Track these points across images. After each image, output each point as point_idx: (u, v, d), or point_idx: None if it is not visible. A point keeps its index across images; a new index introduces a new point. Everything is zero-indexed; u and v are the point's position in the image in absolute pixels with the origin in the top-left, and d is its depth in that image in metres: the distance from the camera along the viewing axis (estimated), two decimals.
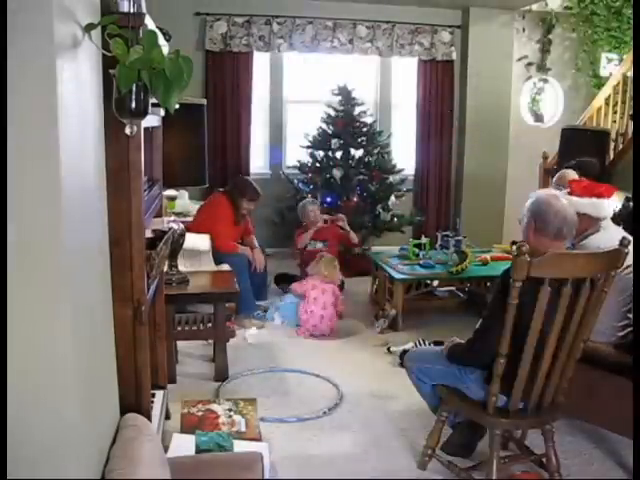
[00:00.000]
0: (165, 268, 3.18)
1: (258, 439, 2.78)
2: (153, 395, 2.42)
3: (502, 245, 5.55)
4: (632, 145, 4.98)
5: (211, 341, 3.78)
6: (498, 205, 6.98)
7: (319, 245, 5.25)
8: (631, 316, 2.81)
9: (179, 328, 3.57)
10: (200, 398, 3.14)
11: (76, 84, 1.37)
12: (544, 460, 2.53)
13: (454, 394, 2.53)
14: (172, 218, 3.35)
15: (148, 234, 2.21)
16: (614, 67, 6.54)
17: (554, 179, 4.19)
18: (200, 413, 2.95)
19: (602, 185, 3.06)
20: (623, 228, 3.24)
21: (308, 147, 6.21)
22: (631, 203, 3.82)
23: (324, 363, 3.87)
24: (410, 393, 3.36)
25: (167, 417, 2.90)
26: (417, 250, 4.97)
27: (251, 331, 4.26)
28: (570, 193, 3.06)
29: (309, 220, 5.30)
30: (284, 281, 5.09)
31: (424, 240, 5.03)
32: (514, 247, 2.21)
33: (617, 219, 3.20)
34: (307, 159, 6.22)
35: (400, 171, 6.38)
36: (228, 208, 4.60)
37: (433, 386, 2.66)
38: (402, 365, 3.75)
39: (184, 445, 2.47)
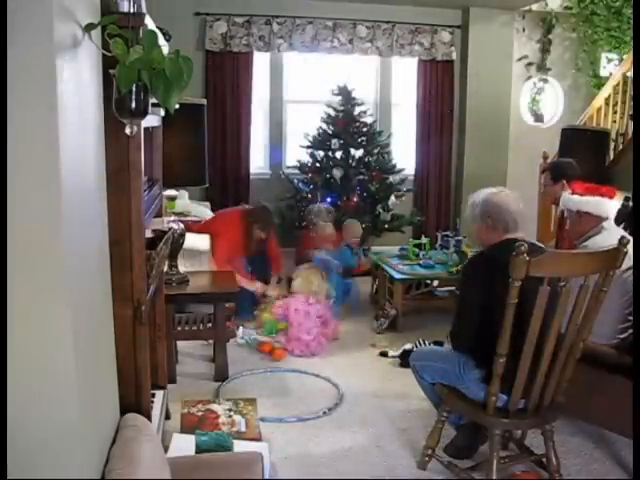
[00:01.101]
0: (165, 268, 3.19)
1: (258, 439, 2.78)
2: (153, 395, 2.42)
3: None
4: (632, 145, 4.98)
5: (211, 341, 3.79)
6: None
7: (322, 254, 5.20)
8: (632, 317, 2.81)
9: (179, 328, 3.57)
10: (200, 398, 3.14)
11: (76, 84, 1.37)
12: (544, 460, 2.53)
13: (454, 394, 2.53)
14: (172, 218, 3.35)
15: (148, 234, 2.21)
16: (614, 67, 6.53)
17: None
18: (200, 413, 2.95)
19: (604, 186, 3.07)
20: (623, 228, 3.24)
21: (308, 147, 6.21)
22: (631, 203, 3.82)
23: (324, 363, 3.87)
24: (410, 393, 3.37)
25: (167, 417, 2.90)
26: (417, 250, 4.97)
27: (239, 332, 4.19)
28: (572, 193, 3.07)
29: (322, 235, 5.24)
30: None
31: (424, 240, 5.04)
32: None
33: (618, 220, 3.20)
34: (307, 159, 6.21)
35: (400, 171, 6.37)
36: (237, 227, 4.52)
37: (434, 384, 2.68)
38: (402, 365, 3.76)
39: (184, 445, 2.47)
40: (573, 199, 3.04)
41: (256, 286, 4.48)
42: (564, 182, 3.98)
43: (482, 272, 2.44)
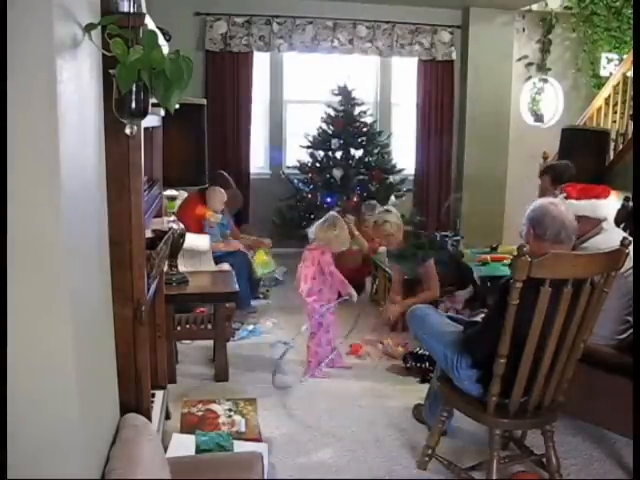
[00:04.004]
0: (165, 268, 3.18)
1: (258, 439, 2.78)
2: (153, 395, 2.42)
3: (508, 247, 5.50)
4: (632, 145, 4.98)
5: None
6: (498, 205, 6.98)
7: None
8: (631, 318, 2.80)
9: (179, 328, 3.57)
10: (200, 398, 3.14)
11: (76, 84, 1.37)
12: (544, 460, 2.53)
13: (454, 393, 2.54)
14: (172, 218, 3.35)
15: (148, 234, 2.21)
16: (614, 67, 6.54)
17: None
18: (200, 413, 2.95)
19: (598, 186, 3.07)
20: (623, 229, 3.23)
21: (308, 147, 6.21)
22: (631, 203, 3.82)
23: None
24: (410, 394, 3.38)
25: (167, 417, 2.90)
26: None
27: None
28: (567, 197, 3.06)
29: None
30: None
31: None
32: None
33: (618, 220, 3.19)
34: (307, 159, 6.22)
35: (400, 171, 6.38)
36: (199, 204, 4.61)
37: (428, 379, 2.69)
38: (406, 368, 3.73)
39: (184, 445, 2.47)
40: (570, 205, 3.01)
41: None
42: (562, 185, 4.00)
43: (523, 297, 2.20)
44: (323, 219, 3.78)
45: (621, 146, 5.44)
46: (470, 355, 2.47)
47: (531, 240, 2.40)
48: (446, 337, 2.62)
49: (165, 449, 2.29)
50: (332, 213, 3.90)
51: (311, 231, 3.78)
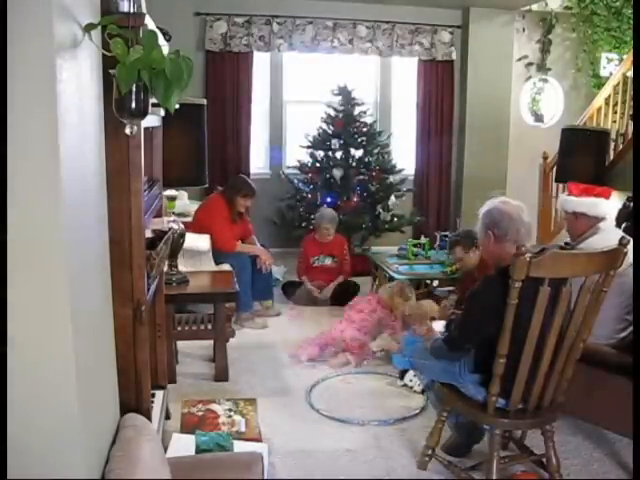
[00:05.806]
0: (165, 268, 3.18)
1: (258, 439, 2.78)
2: (153, 395, 2.42)
3: None
4: (632, 145, 4.97)
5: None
6: None
7: (327, 261, 5.15)
8: (630, 317, 2.81)
9: (179, 328, 3.57)
10: (200, 398, 3.14)
11: (76, 84, 1.37)
12: (544, 460, 2.53)
13: (454, 394, 2.53)
14: (172, 218, 3.35)
15: (148, 234, 2.21)
16: (614, 67, 6.53)
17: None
18: (200, 413, 2.95)
19: (599, 186, 3.09)
20: (624, 229, 3.24)
21: (308, 147, 6.21)
22: (631, 203, 3.82)
23: (324, 363, 3.86)
24: (410, 393, 3.38)
25: (167, 417, 2.90)
26: (415, 250, 4.97)
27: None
28: (568, 193, 3.09)
29: (320, 234, 5.16)
30: (292, 289, 5.10)
31: (423, 240, 5.04)
32: None
33: (619, 220, 3.20)
34: (307, 159, 6.21)
35: (400, 171, 6.37)
36: (224, 207, 4.63)
37: (432, 381, 2.68)
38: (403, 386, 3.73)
39: (184, 445, 2.47)
40: (569, 200, 3.06)
41: (261, 250, 4.74)
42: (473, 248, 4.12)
43: (495, 296, 2.23)
44: None
45: (621, 146, 5.43)
46: (454, 351, 2.48)
47: (492, 244, 2.40)
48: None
49: (165, 449, 2.29)
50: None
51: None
